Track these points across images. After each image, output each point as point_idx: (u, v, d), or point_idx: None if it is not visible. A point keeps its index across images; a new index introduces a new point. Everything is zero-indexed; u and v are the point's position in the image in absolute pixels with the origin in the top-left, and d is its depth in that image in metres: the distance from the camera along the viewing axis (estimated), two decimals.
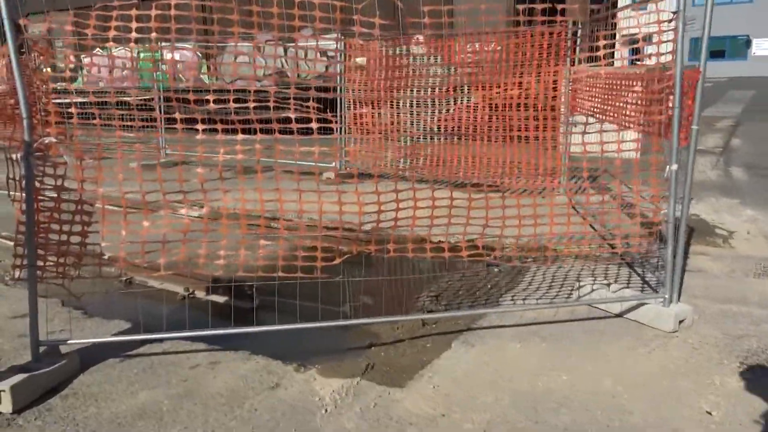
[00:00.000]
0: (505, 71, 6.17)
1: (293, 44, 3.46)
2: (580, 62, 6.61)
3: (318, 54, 3.44)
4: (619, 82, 4.27)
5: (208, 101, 3.31)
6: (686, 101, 3.62)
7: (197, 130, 3.44)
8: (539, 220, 3.98)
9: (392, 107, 8.32)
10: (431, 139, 8.25)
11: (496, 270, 5.10)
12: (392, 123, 7.99)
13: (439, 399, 3.05)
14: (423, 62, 7.77)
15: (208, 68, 12.97)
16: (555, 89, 6.33)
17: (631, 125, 4.03)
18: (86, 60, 16.55)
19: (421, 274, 5.24)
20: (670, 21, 3.57)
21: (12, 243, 5.82)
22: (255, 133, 3.42)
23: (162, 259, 3.42)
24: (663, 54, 3.55)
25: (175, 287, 4.69)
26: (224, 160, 3.43)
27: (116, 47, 3.25)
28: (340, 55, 8.09)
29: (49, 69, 3.34)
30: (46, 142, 3.20)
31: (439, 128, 7.57)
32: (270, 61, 6.03)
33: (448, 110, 7.51)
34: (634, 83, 3.82)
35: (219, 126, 3.42)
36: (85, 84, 17.45)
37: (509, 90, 6.20)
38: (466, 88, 7.48)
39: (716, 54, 33.99)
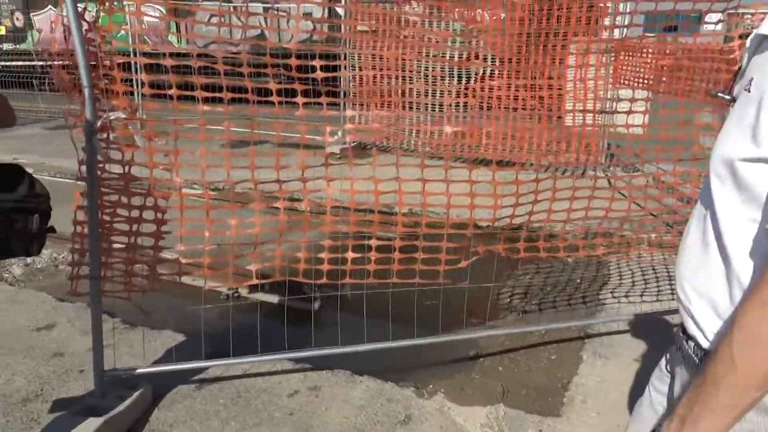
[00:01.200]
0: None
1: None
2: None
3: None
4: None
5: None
6: None
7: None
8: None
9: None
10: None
11: (569, 261, 4.64)
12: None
13: None
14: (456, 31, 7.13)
15: (178, 29, 11.81)
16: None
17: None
18: (38, 18, 14.93)
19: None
20: None
21: None
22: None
23: (254, 265, 2.77)
24: None
25: (221, 286, 4.01)
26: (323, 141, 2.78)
27: None
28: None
29: (110, 19, 2.56)
30: (112, 118, 2.46)
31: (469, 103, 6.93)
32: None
33: (484, 78, 6.90)
34: None
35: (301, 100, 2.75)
36: (36, 44, 15.81)
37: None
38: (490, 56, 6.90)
39: (669, 29, 34.48)
